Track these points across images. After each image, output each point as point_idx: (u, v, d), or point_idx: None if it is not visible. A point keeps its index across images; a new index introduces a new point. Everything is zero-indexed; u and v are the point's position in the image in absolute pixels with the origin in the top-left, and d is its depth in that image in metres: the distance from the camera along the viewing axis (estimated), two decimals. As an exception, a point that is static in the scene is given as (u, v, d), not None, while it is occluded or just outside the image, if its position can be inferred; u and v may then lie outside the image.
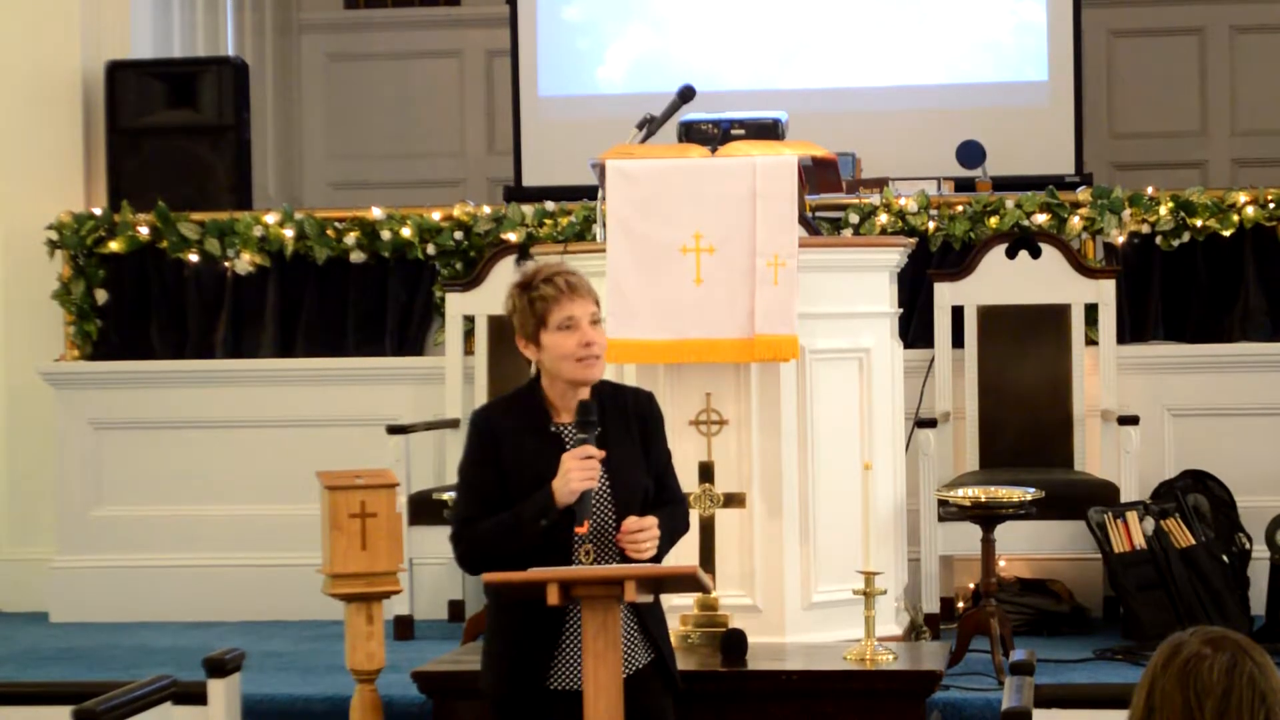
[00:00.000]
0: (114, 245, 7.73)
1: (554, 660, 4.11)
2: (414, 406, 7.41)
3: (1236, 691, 2.52)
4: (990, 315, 7.12)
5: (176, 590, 7.53)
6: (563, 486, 4.02)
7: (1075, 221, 7.25)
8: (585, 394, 4.19)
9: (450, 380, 7.33)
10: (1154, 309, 7.26)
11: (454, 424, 7.21)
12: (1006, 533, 6.07)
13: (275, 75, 10.34)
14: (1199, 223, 7.21)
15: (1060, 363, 7.04)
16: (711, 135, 6.22)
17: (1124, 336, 7.17)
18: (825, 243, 5.98)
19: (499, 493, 4.13)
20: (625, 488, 4.16)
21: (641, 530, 4.10)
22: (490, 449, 4.18)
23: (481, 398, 7.13)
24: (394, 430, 6.91)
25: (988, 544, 5.85)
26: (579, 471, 4.02)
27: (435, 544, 6.38)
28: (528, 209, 7.55)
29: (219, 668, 4.20)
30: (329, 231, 7.66)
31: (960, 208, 7.35)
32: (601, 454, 4.07)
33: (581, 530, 4.06)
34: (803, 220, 5.62)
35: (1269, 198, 7.20)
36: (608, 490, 4.15)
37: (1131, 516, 6.43)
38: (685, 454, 5.04)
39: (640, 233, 5.43)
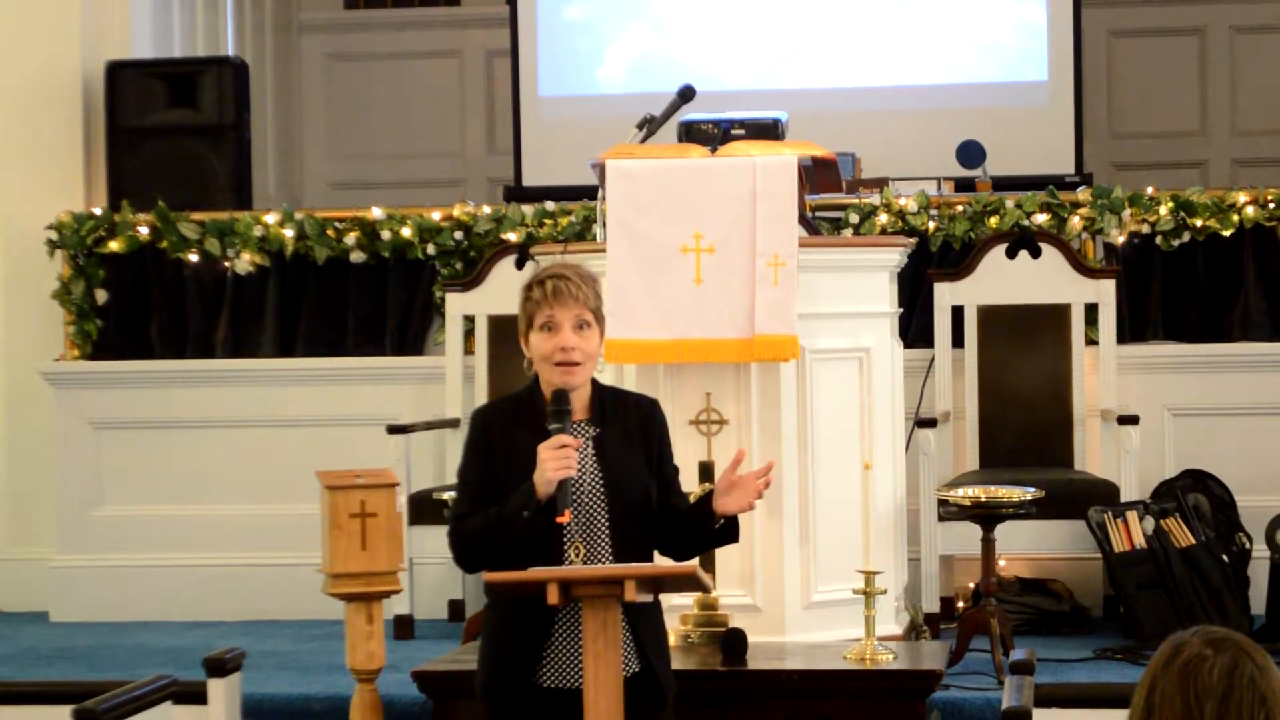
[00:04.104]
0: (114, 245, 7.73)
1: (545, 657, 4.11)
2: (414, 406, 7.42)
3: (1237, 693, 2.52)
4: (990, 315, 7.12)
5: (176, 590, 7.53)
6: (540, 477, 4.04)
7: (1075, 221, 7.25)
8: (585, 393, 4.20)
9: (450, 380, 7.33)
10: (1154, 309, 7.26)
11: (454, 424, 7.21)
12: (1006, 532, 6.07)
13: (275, 75, 10.34)
14: (1199, 223, 7.21)
15: (1060, 363, 7.04)
16: (711, 135, 6.22)
17: (1124, 336, 7.17)
18: (825, 243, 5.98)
19: (493, 491, 4.14)
20: (621, 488, 4.16)
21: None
22: (485, 448, 4.19)
23: (481, 398, 7.13)
24: (394, 430, 6.91)
25: (988, 544, 5.85)
26: (553, 461, 4.03)
27: (435, 544, 6.37)
28: (528, 209, 7.55)
29: (219, 668, 4.20)
30: (329, 231, 7.66)
31: (960, 208, 7.35)
32: (578, 443, 4.08)
33: (563, 520, 4.06)
34: (803, 220, 5.62)
35: (1269, 198, 7.20)
36: (601, 489, 4.15)
37: (1131, 516, 6.43)
38: (685, 454, 5.03)
39: (640, 233, 5.43)
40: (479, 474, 4.18)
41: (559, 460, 4.02)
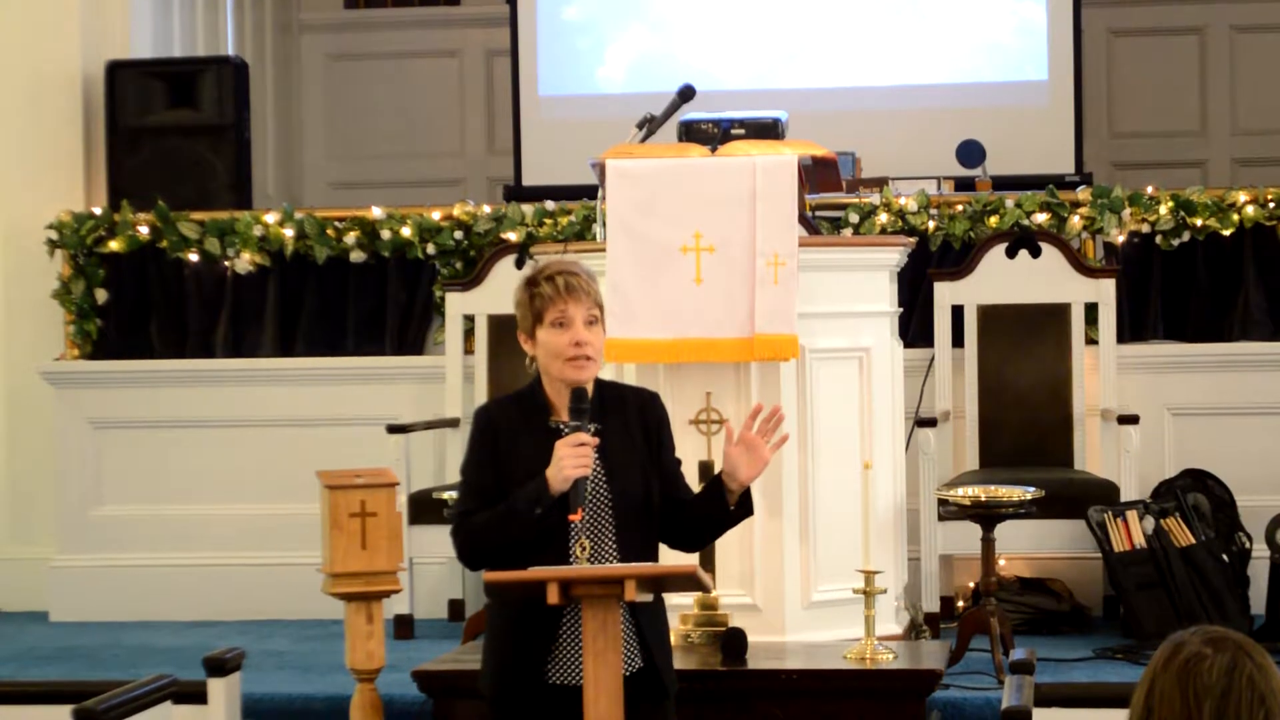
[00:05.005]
0: (114, 245, 7.73)
1: (551, 655, 4.12)
2: (414, 406, 7.41)
3: (1235, 692, 2.52)
4: (990, 315, 7.12)
5: (176, 590, 7.53)
6: (556, 474, 4.03)
7: (1075, 221, 7.25)
8: (588, 388, 4.20)
9: (450, 380, 7.33)
10: (1154, 309, 7.26)
11: (454, 423, 7.22)
12: (1006, 532, 6.07)
13: (275, 75, 10.34)
14: (1199, 222, 7.21)
15: (1060, 362, 7.04)
16: (711, 135, 6.23)
17: (1124, 336, 7.17)
18: (825, 242, 5.98)
19: (497, 488, 4.14)
20: (623, 485, 4.17)
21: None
22: (489, 445, 4.19)
23: (481, 397, 7.13)
24: (394, 430, 6.91)
25: (988, 543, 5.85)
26: (572, 458, 4.03)
27: (435, 544, 6.38)
28: (528, 209, 7.55)
29: (219, 667, 4.20)
30: (329, 231, 7.66)
31: (960, 207, 7.35)
32: (595, 441, 4.08)
33: (575, 518, 4.06)
34: (803, 220, 5.62)
35: (1269, 198, 7.20)
36: (605, 487, 4.15)
37: (1131, 516, 6.43)
38: (685, 454, 5.01)
39: (640, 232, 5.43)
40: (483, 471, 4.18)
41: (578, 458, 4.03)
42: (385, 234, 7.58)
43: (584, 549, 4.13)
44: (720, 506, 4.22)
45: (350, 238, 7.62)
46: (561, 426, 4.17)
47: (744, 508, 4.26)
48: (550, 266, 4.20)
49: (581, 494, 4.05)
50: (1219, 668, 2.53)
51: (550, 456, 4.07)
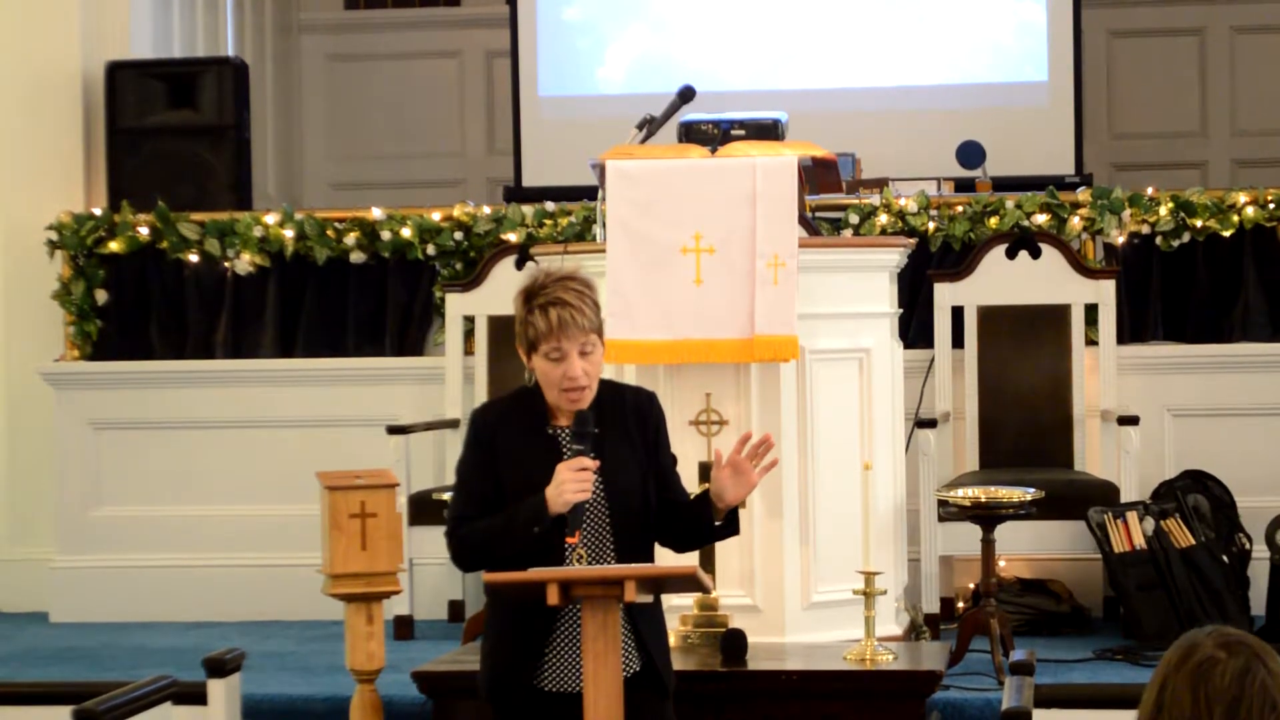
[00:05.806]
0: (114, 245, 7.73)
1: (546, 660, 4.12)
2: (414, 406, 7.41)
3: (1247, 699, 2.50)
4: (990, 315, 7.12)
5: (176, 590, 7.53)
6: (556, 497, 4.03)
7: (1075, 222, 7.25)
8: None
9: (450, 380, 7.33)
10: (1154, 309, 7.26)
11: (454, 424, 7.21)
12: (1006, 533, 6.07)
13: (275, 75, 10.34)
14: (1199, 223, 7.21)
15: (1060, 363, 7.04)
16: (711, 135, 6.22)
17: (1124, 337, 7.17)
18: (825, 243, 5.98)
19: (493, 491, 4.15)
20: (620, 490, 4.17)
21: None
22: (486, 448, 4.19)
23: (481, 398, 7.13)
24: (394, 430, 6.91)
25: (988, 544, 5.85)
26: (573, 483, 4.03)
27: (435, 544, 6.33)
28: (528, 209, 7.55)
29: (219, 668, 4.20)
30: (329, 232, 7.66)
31: (960, 208, 7.35)
32: (596, 464, 4.08)
33: (572, 541, 4.07)
34: (803, 220, 5.62)
35: (1269, 198, 7.20)
36: (602, 493, 4.15)
37: (1131, 516, 6.43)
38: (685, 454, 5.03)
39: (640, 233, 5.43)
40: (478, 474, 4.18)
41: (578, 482, 4.03)
42: (385, 235, 7.58)
43: (581, 559, 4.13)
44: (706, 522, 4.22)
45: (350, 238, 7.62)
46: (558, 432, 4.17)
47: (729, 526, 4.26)
48: (546, 290, 4.13)
49: (580, 518, 4.05)
50: (1232, 673, 2.52)
51: (544, 460, 4.08)
